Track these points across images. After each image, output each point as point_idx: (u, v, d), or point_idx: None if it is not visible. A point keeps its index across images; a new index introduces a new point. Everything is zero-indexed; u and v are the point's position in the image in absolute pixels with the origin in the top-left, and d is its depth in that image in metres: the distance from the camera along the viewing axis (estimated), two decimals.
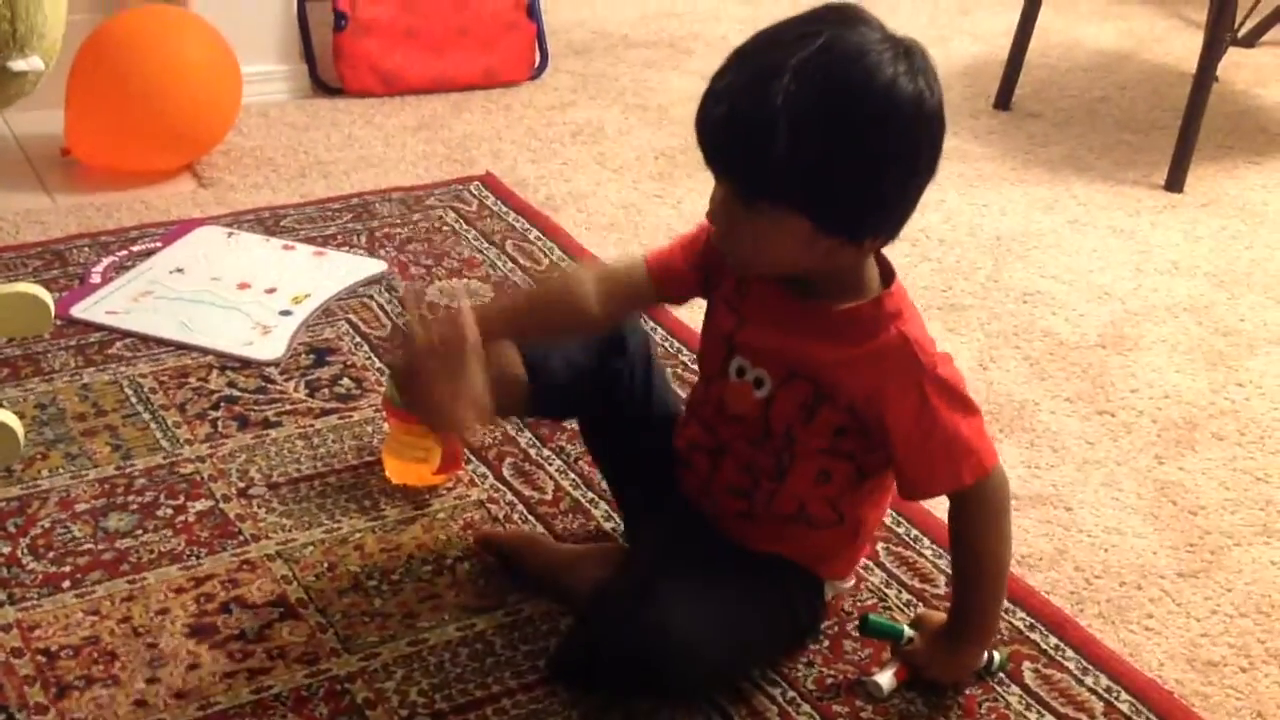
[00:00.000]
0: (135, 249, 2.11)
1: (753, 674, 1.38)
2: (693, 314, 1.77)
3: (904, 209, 1.24)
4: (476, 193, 2.35)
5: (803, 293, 1.30)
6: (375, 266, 2.09)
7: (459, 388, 1.27)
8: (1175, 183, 2.53)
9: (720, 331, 1.36)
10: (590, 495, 1.63)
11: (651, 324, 1.93)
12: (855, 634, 1.44)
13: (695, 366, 1.51)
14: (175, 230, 2.16)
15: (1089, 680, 1.41)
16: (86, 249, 2.10)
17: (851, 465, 1.34)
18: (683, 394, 1.59)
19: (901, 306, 1.30)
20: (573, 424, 1.64)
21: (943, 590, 1.50)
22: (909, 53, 1.19)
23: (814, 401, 1.31)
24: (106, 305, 1.95)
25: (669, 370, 1.72)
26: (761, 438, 1.34)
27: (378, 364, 1.86)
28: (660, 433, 1.45)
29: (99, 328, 1.90)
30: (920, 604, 1.48)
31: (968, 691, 1.38)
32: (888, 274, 1.32)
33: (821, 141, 1.17)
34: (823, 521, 1.37)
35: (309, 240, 2.17)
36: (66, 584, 1.45)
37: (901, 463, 1.31)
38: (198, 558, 1.50)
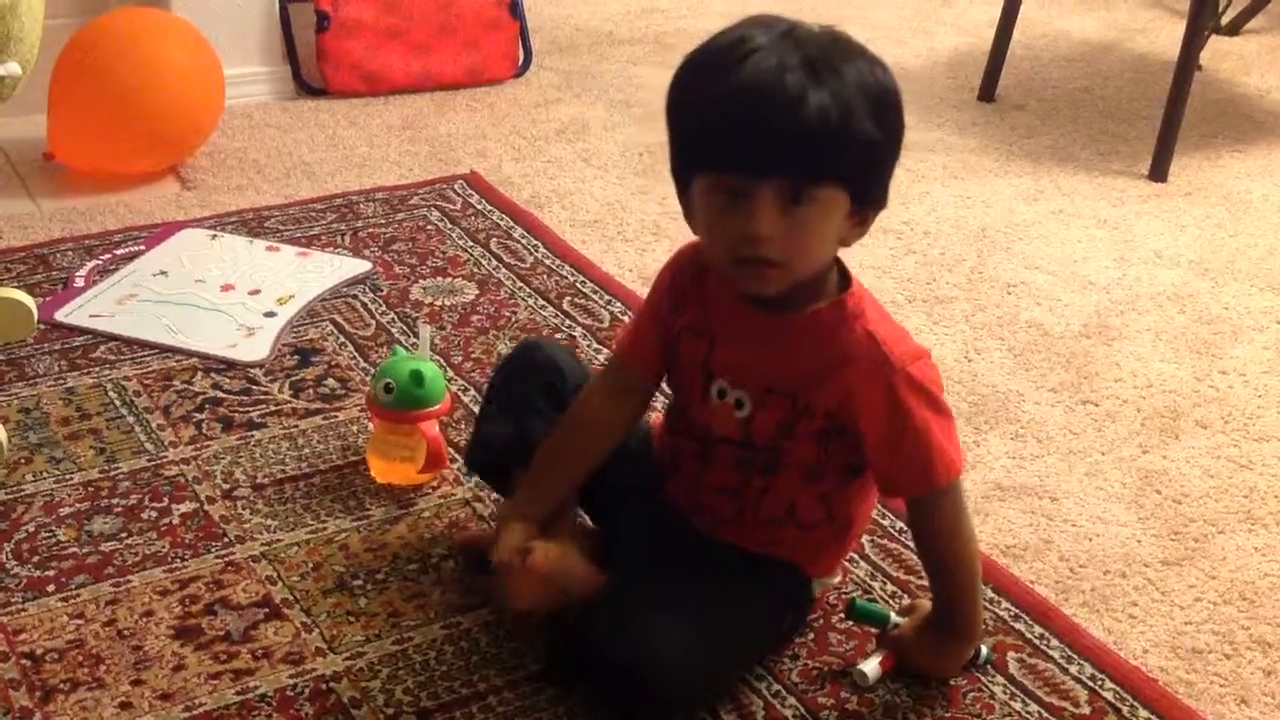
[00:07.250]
0: (119, 252, 2.11)
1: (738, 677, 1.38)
2: None
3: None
4: (461, 191, 2.35)
5: (767, 305, 1.30)
6: (360, 266, 2.09)
7: (565, 589, 1.34)
8: (1159, 172, 2.53)
9: (694, 360, 1.35)
10: None
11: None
12: (840, 626, 1.44)
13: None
14: (159, 233, 2.16)
15: (1073, 669, 1.41)
16: (70, 253, 2.10)
17: (841, 462, 1.34)
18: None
19: (864, 306, 1.30)
20: None
21: (927, 582, 1.50)
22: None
23: (791, 417, 1.31)
24: (90, 309, 1.95)
25: None
26: (749, 451, 1.35)
27: (362, 364, 1.86)
28: (639, 449, 1.46)
29: (83, 331, 1.90)
30: (906, 595, 1.49)
31: (952, 682, 1.38)
32: (845, 277, 1.32)
33: (872, 115, 1.20)
34: (813, 522, 1.37)
35: (293, 241, 2.17)
36: (51, 588, 1.45)
37: (876, 463, 1.31)
38: (182, 560, 1.50)
